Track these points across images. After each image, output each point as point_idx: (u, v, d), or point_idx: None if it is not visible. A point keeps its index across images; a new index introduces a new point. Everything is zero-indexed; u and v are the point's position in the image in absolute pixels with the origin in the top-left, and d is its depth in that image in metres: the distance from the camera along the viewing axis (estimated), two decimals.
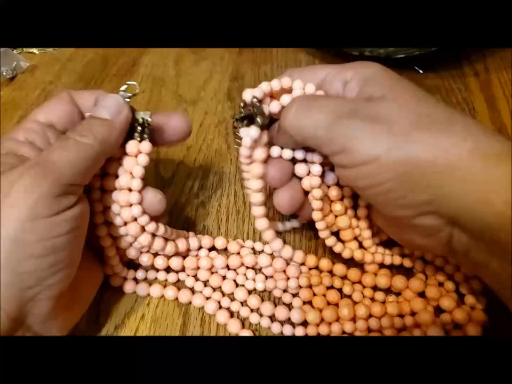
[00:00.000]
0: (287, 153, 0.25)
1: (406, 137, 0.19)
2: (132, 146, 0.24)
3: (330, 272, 0.28)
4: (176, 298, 0.27)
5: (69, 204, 0.21)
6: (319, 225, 0.26)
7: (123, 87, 0.24)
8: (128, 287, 0.27)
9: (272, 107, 0.24)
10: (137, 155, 0.24)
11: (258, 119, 0.23)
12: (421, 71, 0.41)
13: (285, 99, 0.23)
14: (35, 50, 0.46)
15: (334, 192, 0.26)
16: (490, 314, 0.25)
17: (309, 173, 0.25)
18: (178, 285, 0.28)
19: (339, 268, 0.28)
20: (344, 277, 0.28)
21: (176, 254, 0.28)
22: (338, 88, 0.23)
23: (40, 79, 0.43)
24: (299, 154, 0.25)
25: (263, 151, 0.24)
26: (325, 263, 0.28)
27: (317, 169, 0.24)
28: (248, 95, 0.24)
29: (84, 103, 0.25)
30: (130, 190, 0.24)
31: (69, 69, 0.44)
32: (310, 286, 0.27)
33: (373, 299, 0.27)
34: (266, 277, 0.28)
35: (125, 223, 0.25)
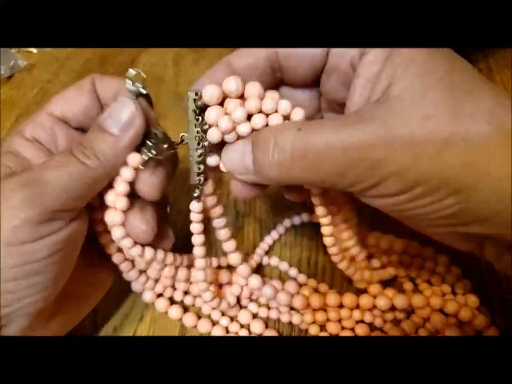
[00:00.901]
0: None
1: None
2: (134, 158, 0.21)
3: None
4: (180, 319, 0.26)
5: (54, 229, 0.19)
6: (332, 250, 0.24)
7: (130, 72, 0.20)
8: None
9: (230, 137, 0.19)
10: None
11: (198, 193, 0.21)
12: None
13: (243, 128, 0.19)
14: (33, 49, 0.46)
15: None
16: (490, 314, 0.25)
17: None
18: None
19: (349, 298, 0.26)
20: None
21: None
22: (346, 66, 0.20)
23: (38, 77, 0.43)
24: None
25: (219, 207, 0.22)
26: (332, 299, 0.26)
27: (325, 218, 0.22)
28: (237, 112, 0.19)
29: (105, 93, 0.22)
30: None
31: (67, 67, 0.44)
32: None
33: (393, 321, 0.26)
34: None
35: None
